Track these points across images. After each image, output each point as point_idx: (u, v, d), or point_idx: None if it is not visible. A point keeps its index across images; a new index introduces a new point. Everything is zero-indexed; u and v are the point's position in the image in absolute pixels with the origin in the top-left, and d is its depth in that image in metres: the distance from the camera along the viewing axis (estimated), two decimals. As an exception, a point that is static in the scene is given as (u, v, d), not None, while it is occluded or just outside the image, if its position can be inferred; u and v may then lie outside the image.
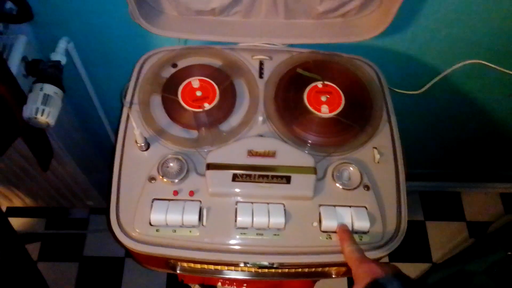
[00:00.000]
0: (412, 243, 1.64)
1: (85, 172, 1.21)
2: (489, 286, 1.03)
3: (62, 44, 0.89)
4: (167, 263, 0.73)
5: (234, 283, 0.88)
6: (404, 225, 0.70)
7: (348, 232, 0.65)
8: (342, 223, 0.67)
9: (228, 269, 0.77)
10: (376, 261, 0.59)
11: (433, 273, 1.38)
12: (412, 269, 1.57)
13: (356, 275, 0.57)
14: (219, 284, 0.90)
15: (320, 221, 0.67)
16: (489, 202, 1.74)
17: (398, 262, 1.56)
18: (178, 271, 0.75)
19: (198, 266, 0.74)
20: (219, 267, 0.75)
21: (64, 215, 1.61)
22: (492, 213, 1.71)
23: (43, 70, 0.84)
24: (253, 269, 0.72)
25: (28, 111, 0.79)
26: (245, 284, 0.89)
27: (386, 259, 1.58)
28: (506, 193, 1.75)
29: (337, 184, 0.70)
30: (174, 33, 0.82)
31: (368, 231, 0.68)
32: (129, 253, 0.71)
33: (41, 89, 0.81)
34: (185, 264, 0.74)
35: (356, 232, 0.68)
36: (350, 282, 1.58)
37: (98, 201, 1.39)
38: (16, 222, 1.60)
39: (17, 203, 1.35)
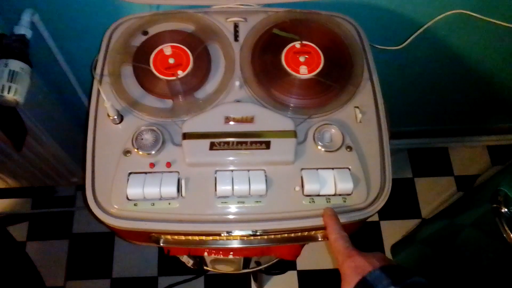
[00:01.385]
0: (402, 201, 1.65)
1: (66, 148, 1.18)
2: (477, 238, 1.04)
3: (26, 17, 0.84)
4: (150, 236, 0.72)
5: (221, 252, 0.88)
6: (388, 184, 0.69)
7: (333, 218, 0.62)
8: (327, 207, 0.64)
9: (212, 239, 0.76)
10: (362, 253, 0.55)
11: (422, 228, 1.39)
12: (402, 226, 1.59)
13: (343, 273, 0.54)
14: (206, 253, 0.89)
15: (302, 185, 0.66)
16: (476, 156, 1.75)
17: (388, 220, 1.60)
18: (161, 244, 0.74)
19: (182, 237, 0.73)
20: (203, 238, 0.74)
21: (50, 193, 1.59)
22: (479, 166, 1.72)
23: (7, 45, 0.80)
24: (238, 237, 0.71)
25: (-7, 89, 0.75)
26: (231, 252, 0.89)
27: (376, 217, 1.61)
28: (493, 146, 1.75)
29: (319, 147, 0.68)
30: (143, -1, 0.78)
31: (352, 193, 0.66)
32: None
33: (6, 65, 0.77)
34: (168, 237, 0.73)
35: (340, 194, 0.66)
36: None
37: (82, 177, 1.37)
38: (1, 204, 1.58)
39: (-1, 184, 1.32)
